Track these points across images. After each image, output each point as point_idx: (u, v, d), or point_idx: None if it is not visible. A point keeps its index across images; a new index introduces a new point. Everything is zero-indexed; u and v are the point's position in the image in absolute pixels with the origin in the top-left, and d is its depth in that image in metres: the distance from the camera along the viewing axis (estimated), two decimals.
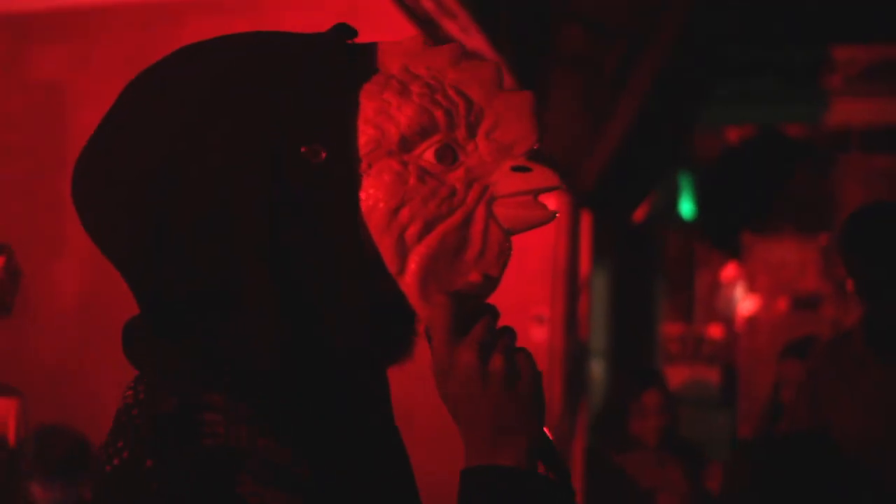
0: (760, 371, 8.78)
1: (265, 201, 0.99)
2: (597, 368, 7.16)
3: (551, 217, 1.08)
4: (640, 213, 8.29)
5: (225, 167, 1.00)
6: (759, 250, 9.88)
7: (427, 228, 1.02)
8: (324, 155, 0.99)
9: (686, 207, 10.85)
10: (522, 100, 1.08)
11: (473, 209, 1.04)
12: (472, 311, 1.05)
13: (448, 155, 1.03)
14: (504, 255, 1.06)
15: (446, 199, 1.03)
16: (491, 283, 1.06)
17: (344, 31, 1.09)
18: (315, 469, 1.02)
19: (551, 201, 4.60)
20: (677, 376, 10.37)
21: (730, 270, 12.06)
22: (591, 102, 5.20)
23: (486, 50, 4.16)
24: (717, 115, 8.07)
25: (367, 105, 1.02)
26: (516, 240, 1.10)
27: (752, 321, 9.78)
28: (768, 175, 10.50)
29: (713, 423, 9.12)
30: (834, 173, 9.20)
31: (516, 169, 1.06)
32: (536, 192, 1.07)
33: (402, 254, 1.02)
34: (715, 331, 12.28)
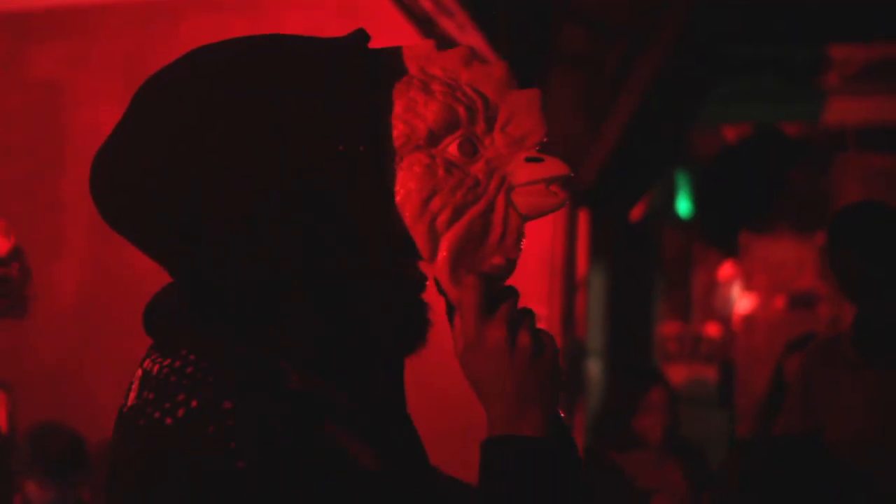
0: (758, 370, 8.79)
1: (303, 192, 1.04)
2: (594, 367, 7.17)
3: (563, 203, 1.15)
4: (637, 212, 8.30)
5: (264, 162, 1.04)
6: (756, 249, 9.89)
7: (456, 216, 1.11)
8: (361, 149, 1.05)
9: (683, 206, 10.85)
10: (532, 96, 1.16)
11: (495, 197, 1.13)
12: (496, 292, 1.13)
13: (469, 148, 1.12)
14: (521, 239, 1.15)
15: (471, 189, 1.12)
16: (511, 265, 1.15)
17: (364, 36, 1.15)
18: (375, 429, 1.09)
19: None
20: (675, 375, 10.37)
21: (727, 269, 12.06)
22: (589, 101, 5.21)
23: (484, 48, 4.16)
24: (715, 114, 8.07)
25: (397, 103, 1.10)
26: (555, 210, 1.18)
27: (749, 320, 9.79)
28: (766, 174, 10.50)
29: (711, 421, 9.12)
30: (831, 172, 9.20)
31: (530, 160, 1.14)
32: (549, 181, 1.14)
33: (434, 240, 1.10)
34: (712, 329, 12.28)
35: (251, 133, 1.05)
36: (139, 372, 1.10)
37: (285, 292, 1.05)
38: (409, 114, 1.10)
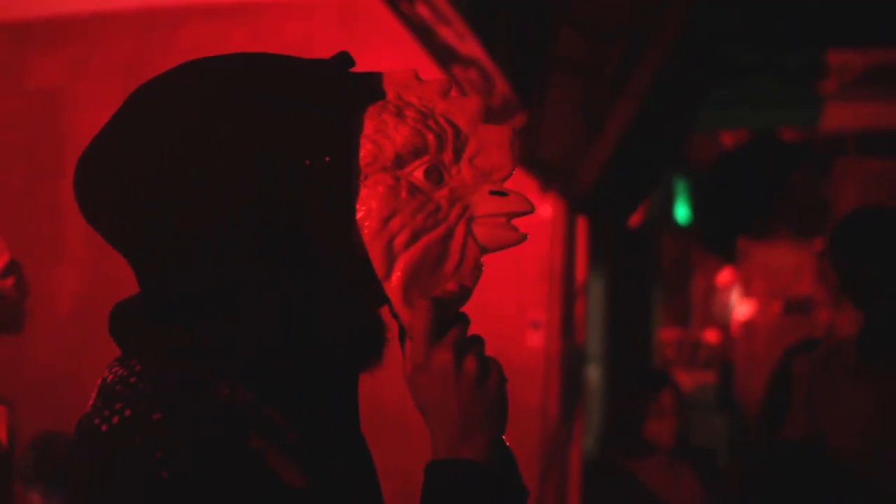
0: (757, 375, 8.78)
1: (266, 203, 1.07)
2: (593, 373, 7.17)
3: (522, 239, 1.18)
4: (636, 218, 8.30)
5: (231, 169, 1.07)
6: (755, 255, 9.90)
7: (414, 238, 1.13)
8: (327, 160, 1.08)
9: (682, 212, 10.85)
10: (503, 133, 1.19)
11: (455, 225, 1.16)
12: (447, 317, 1.15)
13: (435, 175, 1.15)
14: (478, 269, 1.17)
15: (432, 214, 1.14)
16: (465, 293, 1.17)
17: (347, 60, 1.17)
18: (304, 446, 1.11)
19: (547, 207, 4.57)
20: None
21: (726, 275, 12.06)
22: (587, 107, 5.22)
23: (482, 56, 4.17)
24: (713, 120, 8.08)
25: (368, 124, 1.13)
26: (513, 245, 1.19)
27: (748, 325, 9.80)
28: (764, 179, 10.50)
29: (710, 427, 9.12)
30: (830, 177, 9.21)
31: (494, 193, 1.17)
32: (510, 216, 1.17)
33: (390, 260, 1.12)
34: (711, 335, 12.27)
35: (223, 141, 1.08)
36: (99, 380, 1.13)
37: (240, 299, 1.08)
38: (379, 135, 1.12)
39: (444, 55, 4.23)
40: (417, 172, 1.14)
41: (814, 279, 9.49)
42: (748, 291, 9.94)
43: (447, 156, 1.16)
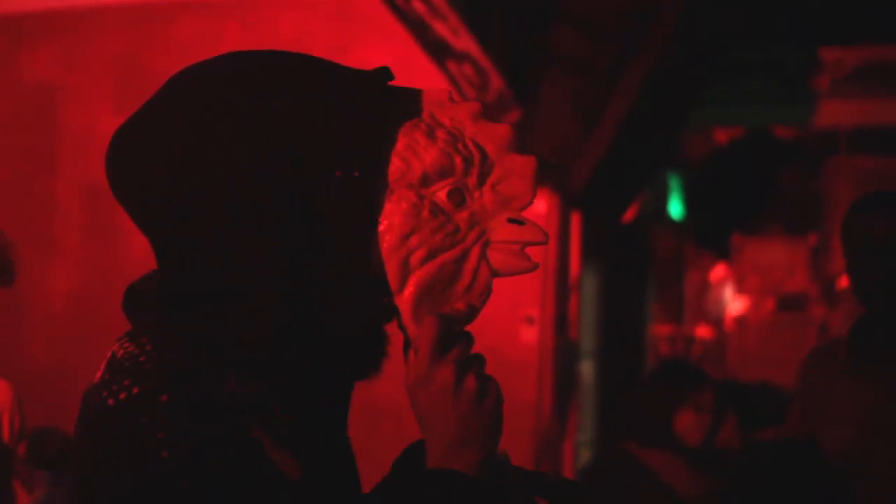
0: (750, 370, 8.81)
1: (293, 205, 1.10)
2: (586, 369, 7.18)
3: (534, 268, 1.20)
4: (629, 214, 8.31)
5: (264, 167, 1.10)
6: (748, 251, 9.91)
7: (430, 256, 1.16)
8: (356, 175, 1.11)
9: (675, 208, 10.87)
10: (526, 162, 1.20)
11: (470, 248, 1.18)
12: (452, 334, 1.18)
13: (457, 197, 1.17)
14: (487, 292, 1.20)
15: (450, 235, 1.16)
16: (473, 313, 1.20)
17: (387, 74, 1.19)
18: (302, 442, 1.15)
19: (541, 202, 4.58)
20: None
21: (719, 271, 12.08)
22: (581, 104, 5.22)
23: (476, 52, 4.17)
24: (707, 117, 8.10)
25: (401, 140, 1.15)
26: (524, 273, 1.22)
27: (741, 321, 9.82)
28: (757, 176, 10.53)
29: None
30: (823, 174, 9.23)
31: (512, 221, 1.19)
32: (525, 244, 1.20)
33: (405, 274, 1.15)
34: (704, 331, 12.30)
35: (261, 138, 1.10)
36: (108, 353, 1.15)
37: (256, 294, 1.10)
38: (409, 152, 1.15)
39: (438, 50, 4.23)
40: (441, 193, 1.16)
41: (807, 275, 9.51)
42: (741, 287, 9.96)
43: (471, 180, 1.18)
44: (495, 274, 1.20)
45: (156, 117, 1.15)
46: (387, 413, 4.27)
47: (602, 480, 3.85)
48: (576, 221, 6.07)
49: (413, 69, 5.34)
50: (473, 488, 1.16)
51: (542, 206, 5.40)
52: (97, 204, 5.70)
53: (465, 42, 4.10)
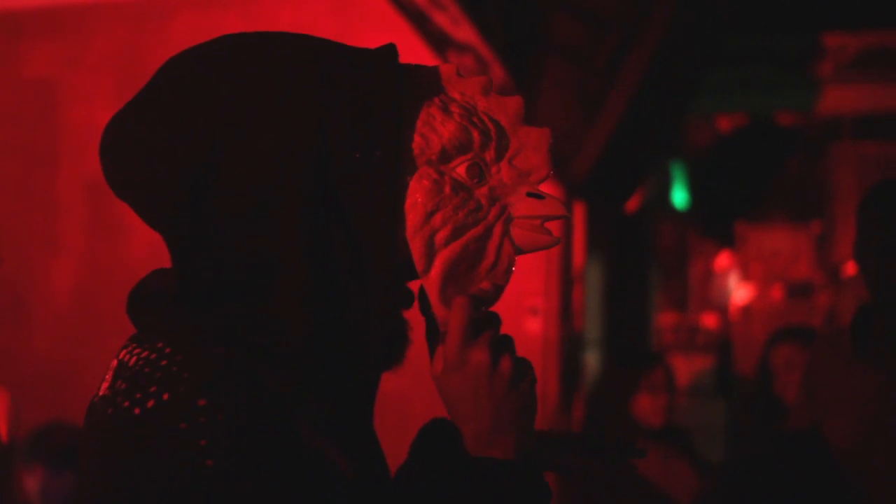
0: (755, 359, 8.78)
1: (312, 190, 1.06)
2: (592, 359, 7.17)
3: (556, 242, 1.19)
4: (633, 204, 8.30)
5: (281, 151, 1.06)
6: (752, 239, 9.89)
7: (455, 235, 1.13)
8: (378, 154, 1.08)
9: (679, 197, 10.85)
10: (542, 135, 1.19)
11: (493, 225, 1.16)
12: (480, 316, 1.15)
13: (477, 172, 1.15)
14: (510, 270, 1.18)
15: (473, 212, 1.14)
16: (498, 292, 1.17)
17: (394, 51, 1.17)
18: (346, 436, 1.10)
19: (544, 187, 4.55)
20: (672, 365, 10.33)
21: (723, 259, 12.06)
22: (583, 93, 5.20)
23: (477, 42, 4.16)
24: (709, 105, 8.08)
25: (418, 117, 1.13)
26: (546, 248, 1.20)
27: (746, 310, 9.79)
28: (761, 164, 10.51)
29: (708, 411, 9.12)
30: (826, 161, 9.20)
31: (531, 195, 1.18)
32: (545, 219, 1.18)
33: (431, 254, 1.12)
34: (709, 320, 12.27)
35: (277, 122, 1.07)
36: (114, 362, 1.10)
37: (278, 284, 1.06)
38: (427, 128, 1.13)
39: (439, 41, 4.21)
40: (460, 168, 1.14)
41: (811, 263, 9.49)
42: (746, 275, 9.94)
43: (489, 154, 1.16)
44: (518, 251, 1.18)
45: (161, 104, 1.10)
46: (391, 401, 4.27)
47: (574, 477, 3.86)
48: (579, 212, 6.05)
49: (414, 60, 5.33)
50: (513, 474, 1.12)
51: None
52: (99, 200, 5.69)
53: (465, 32, 4.09)
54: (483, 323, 1.15)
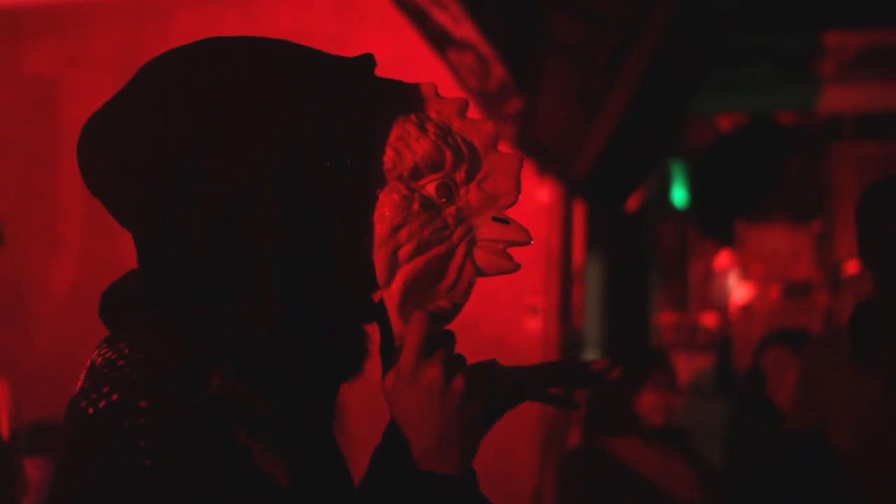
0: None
1: (282, 197, 1.07)
2: (591, 358, 7.17)
3: (516, 268, 1.20)
4: (633, 203, 8.30)
5: (252, 156, 1.07)
6: (752, 238, 9.89)
7: (418, 251, 1.15)
8: (348, 163, 1.09)
9: (679, 196, 10.86)
10: (513, 161, 1.20)
11: (457, 245, 1.17)
12: (436, 333, 1.17)
13: (446, 192, 1.17)
14: (470, 291, 1.20)
15: (439, 230, 1.16)
16: (456, 310, 1.19)
17: (372, 61, 1.17)
18: (290, 443, 1.10)
19: (544, 191, 4.56)
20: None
21: (723, 258, 12.06)
22: (583, 92, 5.20)
23: (478, 40, 4.16)
24: (710, 104, 8.07)
25: (392, 131, 1.14)
26: (506, 273, 1.21)
27: (746, 309, 9.80)
28: (761, 163, 10.51)
29: (707, 411, 9.13)
30: (826, 160, 9.20)
31: (496, 219, 1.19)
32: (508, 244, 1.19)
33: (393, 268, 1.14)
34: (709, 319, 12.27)
35: (250, 127, 1.08)
36: (87, 362, 1.12)
37: (242, 287, 1.08)
38: (401, 143, 1.14)
39: (439, 40, 4.21)
40: (430, 187, 1.16)
41: (812, 262, 9.50)
42: (746, 275, 9.95)
43: (460, 175, 1.17)
44: (479, 273, 1.19)
45: (136, 106, 1.11)
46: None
47: (572, 476, 3.86)
48: (579, 210, 6.06)
49: (414, 58, 5.33)
50: (459, 491, 1.15)
51: (545, 195, 5.39)
52: None
53: (466, 31, 4.09)
54: (439, 340, 1.16)
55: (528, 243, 1.19)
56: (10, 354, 5.45)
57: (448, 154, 1.15)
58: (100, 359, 1.09)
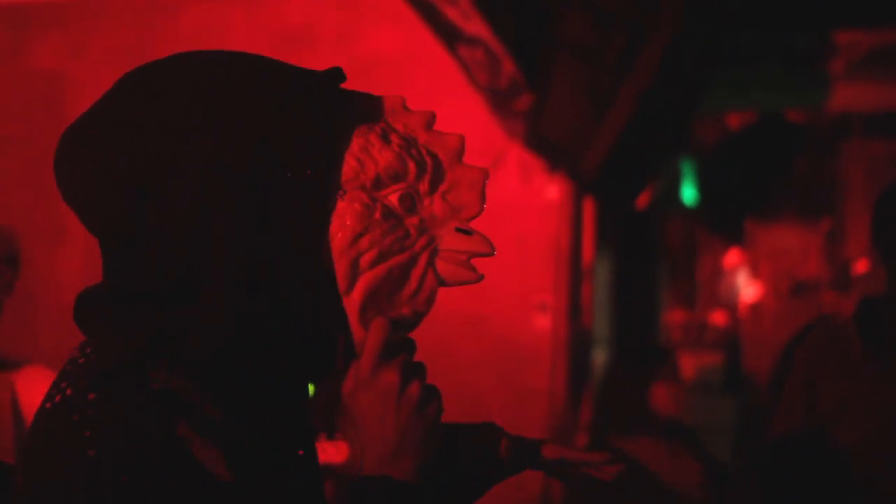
0: (764, 357, 8.77)
1: (243, 206, 1.10)
2: (600, 356, 7.16)
3: (479, 279, 1.23)
4: (642, 200, 8.29)
5: (213, 167, 1.10)
6: (761, 236, 9.88)
7: (379, 259, 1.17)
8: (308, 173, 1.12)
9: (688, 194, 10.84)
10: (478, 174, 1.24)
11: (419, 254, 1.20)
12: (397, 340, 1.20)
13: (409, 203, 1.20)
14: (432, 299, 1.22)
15: (400, 239, 1.19)
16: (417, 319, 1.22)
17: (339, 75, 1.20)
18: (234, 440, 1.14)
19: (554, 188, 4.53)
20: (680, 363, 10.31)
21: (732, 256, 12.04)
22: (593, 89, 5.19)
23: (488, 36, 4.14)
24: (719, 102, 8.06)
25: (355, 142, 1.17)
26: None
27: (755, 307, 9.78)
28: (770, 161, 10.49)
29: (716, 408, 9.12)
30: (836, 159, 9.18)
31: (459, 230, 1.22)
32: (471, 255, 1.22)
33: (354, 275, 1.16)
34: (718, 317, 12.26)
35: (213, 139, 1.11)
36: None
37: (207, 290, 1.10)
38: (364, 154, 1.17)
39: (449, 35, 4.20)
40: (392, 197, 1.18)
41: (821, 261, 9.48)
42: (755, 273, 9.93)
43: (423, 186, 1.20)
44: (441, 282, 1.22)
45: (108, 117, 1.15)
46: None
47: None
48: (589, 208, 6.04)
49: (424, 55, 5.31)
50: (411, 496, 1.17)
51: (554, 192, 5.37)
52: None
53: (476, 27, 4.07)
54: (398, 347, 1.20)
55: (490, 254, 1.22)
56: (15, 347, 5.44)
57: (411, 165, 1.18)
58: (69, 359, 1.15)
